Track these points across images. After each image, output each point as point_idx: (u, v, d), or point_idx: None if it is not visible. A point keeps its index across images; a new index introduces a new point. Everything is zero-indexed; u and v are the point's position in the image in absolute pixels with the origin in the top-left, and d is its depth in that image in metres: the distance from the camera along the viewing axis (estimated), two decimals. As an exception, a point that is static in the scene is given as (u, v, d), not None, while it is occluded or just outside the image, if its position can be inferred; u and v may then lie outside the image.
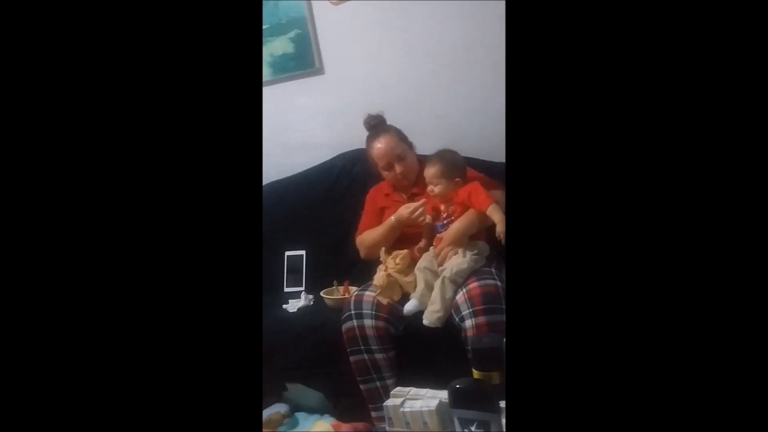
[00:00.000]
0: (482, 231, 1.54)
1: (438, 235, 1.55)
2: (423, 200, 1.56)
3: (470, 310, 1.35)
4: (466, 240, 1.50)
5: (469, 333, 1.34)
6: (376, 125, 1.70)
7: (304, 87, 2.04)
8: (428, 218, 1.56)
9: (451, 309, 1.42)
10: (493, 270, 1.46)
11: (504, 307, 1.34)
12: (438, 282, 1.44)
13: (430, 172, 1.54)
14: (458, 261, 1.46)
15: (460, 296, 1.40)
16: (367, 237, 1.69)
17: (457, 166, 1.56)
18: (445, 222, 1.54)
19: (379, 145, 1.66)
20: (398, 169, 1.65)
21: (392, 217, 1.60)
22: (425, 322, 1.42)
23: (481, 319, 1.33)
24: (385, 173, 1.69)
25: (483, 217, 1.49)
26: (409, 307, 1.46)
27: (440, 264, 1.49)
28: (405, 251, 1.54)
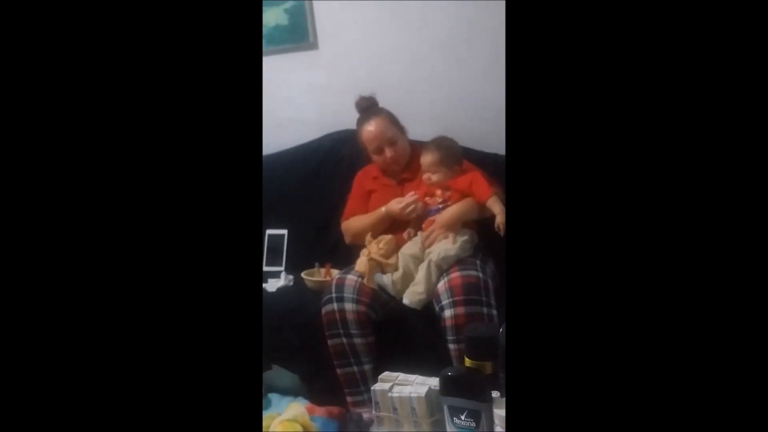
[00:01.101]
0: (473, 221, 1.53)
1: (430, 218, 1.53)
2: (415, 196, 1.55)
3: (450, 299, 1.34)
4: (459, 226, 1.49)
5: (448, 323, 1.34)
6: (368, 107, 1.67)
7: (295, 61, 1.98)
8: (419, 209, 1.54)
9: (433, 294, 1.41)
10: (478, 261, 1.46)
11: (483, 298, 1.34)
12: (424, 265, 1.43)
13: (428, 159, 1.52)
14: (446, 246, 1.45)
15: (442, 285, 1.39)
16: (353, 224, 1.66)
17: (456, 155, 1.55)
18: (440, 206, 1.53)
19: (370, 128, 1.62)
20: (389, 153, 1.62)
21: (383, 209, 1.58)
22: (406, 301, 1.41)
23: (460, 309, 1.32)
24: (375, 157, 1.66)
25: (481, 207, 1.49)
26: (380, 279, 1.44)
27: (428, 246, 1.48)
28: (389, 236, 1.52)
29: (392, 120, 1.65)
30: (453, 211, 1.50)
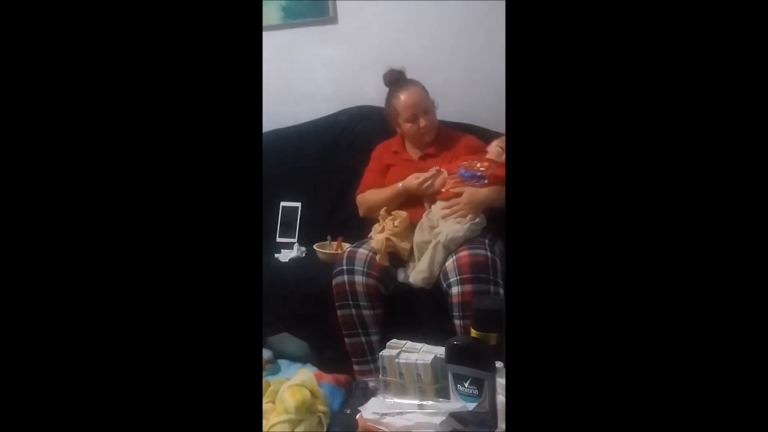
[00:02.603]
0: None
1: (453, 182, 1.53)
2: (434, 170, 1.56)
3: (458, 277, 1.36)
4: (481, 210, 1.51)
5: (455, 300, 1.36)
6: (397, 80, 1.67)
7: (315, 35, 1.98)
8: (439, 184, 1.56)
9: (439, 272, 1.43)
10: (486, 241, 1.47)
11: (491, 277, 1.36)
12: (431, 246, 1.45)
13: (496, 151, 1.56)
14: (455, 228, 1.46)
15: (450, 263, 1.41)
16: (369, 197, 1.68)
17: None
18: (474, 173, 1.54)
19: (408, 96, 1.63)
20: (422, 122, 1.62)
21: (399, 184, 1.59)
22: (411, 279, 1.45)
23: (468, 287, 1.35)
24: (407, 126, 1.64)
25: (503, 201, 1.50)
26: (402, 276, 1.49)
27: (446, 215, 1.48)
28: (404, 214, 1.53)
29: (426, 91, 1.66)
30: (486, 193, 1.52)
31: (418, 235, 1.50)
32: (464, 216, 1.48)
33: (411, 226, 1.53)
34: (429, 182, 1.54)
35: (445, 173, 1.57)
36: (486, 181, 1.52)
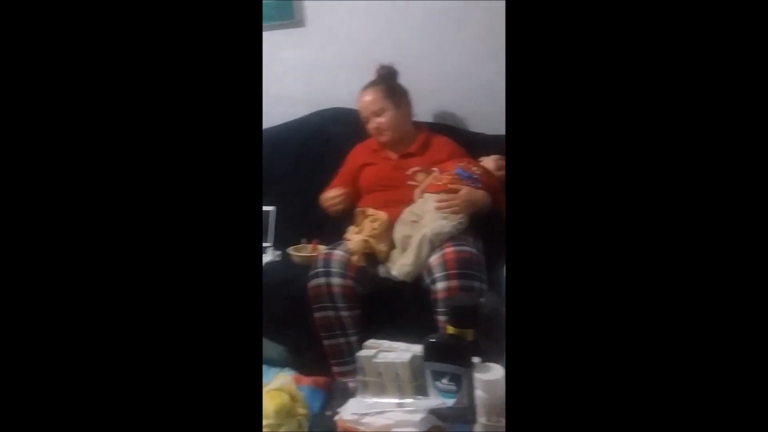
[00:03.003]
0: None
1: (450, 178, 1.56)
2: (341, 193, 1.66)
3: (444, 273, 1.38)
4: (473, 210, 1.54)
5: (440, 295, 1.37)
6: (383, 76, 1.71)
7: (282, 38, 1.97)
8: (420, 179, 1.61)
9: (422, 267, 1.44)
10: (470, 238, 1.49)
11: (477, 273, 1.38)
12: (417, 239, 1.46)
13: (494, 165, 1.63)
14: (442, 223, 1.47)
15: (435, 259, 1.42)
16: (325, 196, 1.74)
17: None
18: (471, 174, 1.57)
19: (362, 97, 1.70)
20: (373, 124, 1.68)
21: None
22: (394, 272, 1.46)
23: (454, 282, 1.36)
24: (368, 125, 1.71)
25: (491, 208, 1.57)
26: (385, 273, 1.50)
27: (441, 208, 1.50)
28: (384, 216, 1.54)
29: (389, 92, 1.69)
30: (482, 195, 1.55)
31: (400, 230, 1.51)
32: (457, 213, 1.50)
33: (390, 227, 1.54)
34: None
35: (436, 172, 1.61)
36: (480, 185, 1.56)
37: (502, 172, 1.63)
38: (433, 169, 1.62)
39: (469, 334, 1.02)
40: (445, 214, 1.49)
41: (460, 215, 1.50)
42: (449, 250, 1.41)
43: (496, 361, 0.96)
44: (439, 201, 1.51)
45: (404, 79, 1.76)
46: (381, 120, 1.67)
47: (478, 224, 1.57)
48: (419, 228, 1.48)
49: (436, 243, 1.45)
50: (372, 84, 1.71)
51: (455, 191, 1.53)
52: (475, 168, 1.60)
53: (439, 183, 1.56)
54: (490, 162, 1.65)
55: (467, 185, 1.55)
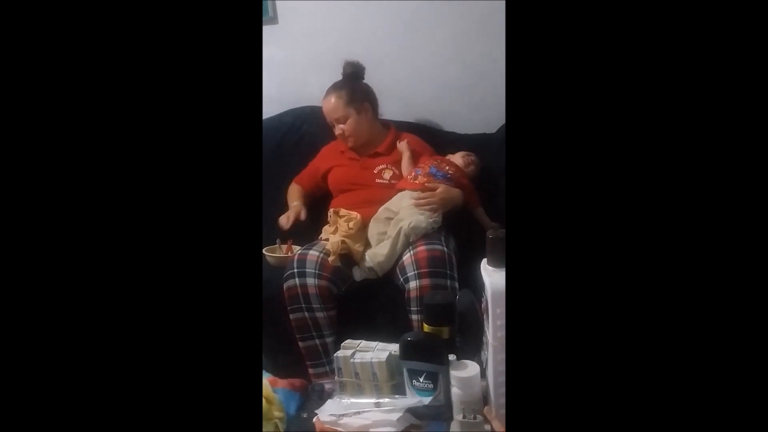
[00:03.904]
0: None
1: (426, 179, 1.58)
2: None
3: (416, 272, 1.38)
4: (450, 206, 1.56)
5: (413, 294, 1.37)
6: (350, 74, 1.72)
7: (255, 36, 1.94)
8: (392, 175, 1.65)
9: (394, 260, 1.45)
10: (441, 237, 1.50)
11: (448, 271, 1.39)
12: (394, 231, 1.47)
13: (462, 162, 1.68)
14: (419, 218, 1.49)
15: (408, 257, 1.42)
16: (290, 192, 1.79)
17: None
18: (445, 174, 1.59)
19: (325, 104, 1.71)
20: (337, 131, 1.70)
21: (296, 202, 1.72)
22: (367, 261, 1.46)
23: (426, 281, 1.37)
24: (334, 129, 1.73)
25: (463, 206, 1.62)
26: (361, 274, 1.49)
27: (421, 205, 1.51)
28: (357, 216, 1.54)
29: (351, 98, 1.67)
30: (456, 194, 1.58)
31: (374, 227, 1.52)
32: (435, 210, 1.52)
33: (364, 227, 1.54)
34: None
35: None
36: (452, 184, 1.59)
37: (471, 168, 1.68)
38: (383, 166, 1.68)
39: (445, 332, 1.02)
40: (422, 211, 1.51)
41: (437, 214, 1.52)
42: (421, 248, 1.42)
43: (471, 358, 0.97)
44: (418, 199, 1.52)
45: (376, 78, 1.76)
46: (344, 127, 1.69)
47: (450, 222, 1.59)
48: (395, 223, 1.50)
49: (411, 237, 1.46)
50: (334, 88, 1.70)
51: (432, 189, 1.54)
52: (448, 167, 1.63)
53: (416, 182, 1.58)
54: (458, 159, 1.68)
55: (442, 183, 1.57)
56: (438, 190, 1.54)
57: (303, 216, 1.68)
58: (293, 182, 1.81)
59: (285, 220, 1.68)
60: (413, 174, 1.61)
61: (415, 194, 1.54)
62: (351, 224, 1.51)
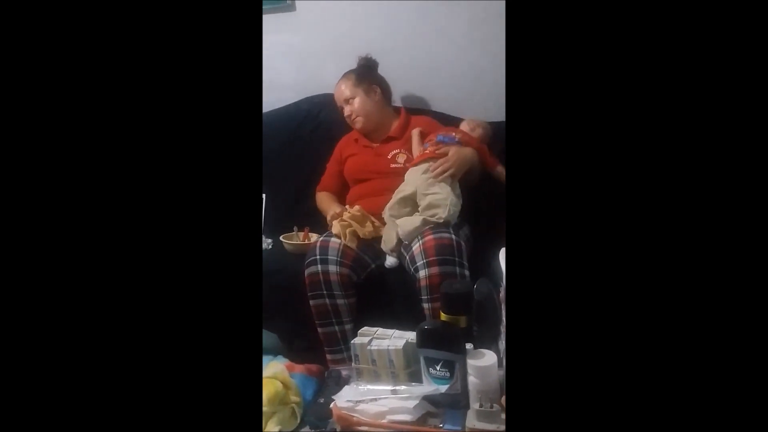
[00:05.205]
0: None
1: (433, 147, 1.56)
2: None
3: (424, 260, 1.37)
4: (462, 173, 1.53)
5: (423, 283, 1.37)
6: (362, 66, 1.73)
7: (273, 23, 1.93)
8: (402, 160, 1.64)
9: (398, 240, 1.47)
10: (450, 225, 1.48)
11: (457, 259, 1.37)
12: (424, 203, 1.47)
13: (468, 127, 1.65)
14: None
15: (417, 247, 1.41)
16: (319, 202, 1.78)
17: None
18: (452, 138, 1.57)
19: (336, 88, 1.74)
20: (345, 111, 1.72)
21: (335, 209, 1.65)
22: (399, 232, 1.46)
23: (435, 269, 1.35)
24: (344, 115, 1.75)
25: (480, 169, 1.60)
26: (391, 263, 1.50)
27: (436, 174, 1.49)
28: (357, 207, 1.56)
29: (359, 80, 1.70)
30: (468, 153, 1.56)
31: (396, 210, 1.51)
32: (454, 175, 1.50)
33: (365, 215, 1.55)
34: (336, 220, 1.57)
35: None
36: (463, 145, 1.57)
37: (479, 131, 1.64)
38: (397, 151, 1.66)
39: (462, 321, 1.02)
40: (440, 180, 1.49)
41: (456, 177, 1.51)
42: (429, 237, 1.41)
43: (488, 348, 0.96)
44: (433, 169, 1.50)
45: (391, 67, 1.75)
46: (351, 106, 1.70)
47: (469, 211, 1.57)
48: (421, 197, 1.48)
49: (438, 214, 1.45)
50: (346, 74, 1.73)
51: (444, 154, 1.52)
52: (454, 132, 1.60)
53: (426, 152, 1.56)
54: (463, 126, 1.66)
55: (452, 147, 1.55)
56: (450, 153, 1.52)
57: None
58: (318, 191, 1.79)
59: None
60: (421, 149, 1.59)
61: (425, 166, 1.51)
62: (354, 210, 1.53)
